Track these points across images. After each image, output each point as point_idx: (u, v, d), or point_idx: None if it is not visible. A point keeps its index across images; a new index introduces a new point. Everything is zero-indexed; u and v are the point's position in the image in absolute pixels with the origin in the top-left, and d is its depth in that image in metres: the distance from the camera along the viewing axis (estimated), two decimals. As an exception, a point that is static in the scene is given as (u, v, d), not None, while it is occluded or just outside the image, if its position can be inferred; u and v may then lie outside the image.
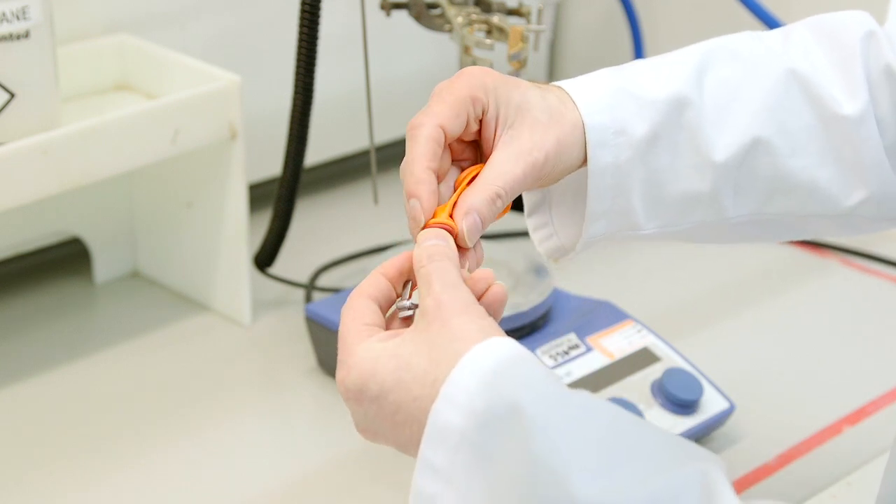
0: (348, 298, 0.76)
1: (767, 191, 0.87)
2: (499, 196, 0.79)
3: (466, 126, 0.80)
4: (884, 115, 0.86)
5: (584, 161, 0.84)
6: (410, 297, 0.76)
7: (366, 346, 0.72)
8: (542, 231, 0.90)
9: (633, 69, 0.87)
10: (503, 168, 0.80)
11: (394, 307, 0.77)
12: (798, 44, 0.88)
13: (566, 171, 0.83)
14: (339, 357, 0.73)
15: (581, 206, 0.87)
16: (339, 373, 0.73)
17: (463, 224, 0.78)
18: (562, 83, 0.85)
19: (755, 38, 0.89)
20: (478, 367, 0.68)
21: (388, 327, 0.76)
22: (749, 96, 0.86)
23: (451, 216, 0.78)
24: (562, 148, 0.82)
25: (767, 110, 0.86)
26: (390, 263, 0.77)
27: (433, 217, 0.78)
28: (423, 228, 0.77)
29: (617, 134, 0.83)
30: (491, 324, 0.71)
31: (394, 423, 0.71)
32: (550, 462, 0.65)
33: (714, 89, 0.86)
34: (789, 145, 0.86)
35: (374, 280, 0.76)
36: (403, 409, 0.70)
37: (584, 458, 0.65)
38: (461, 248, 0.78)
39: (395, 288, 0.77)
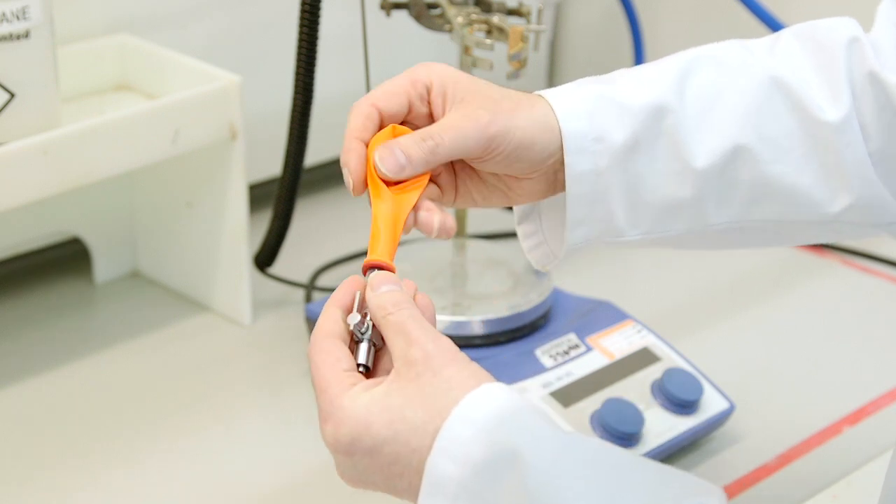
0: (314, 340, 0.74)
1: (750, 197, 0.86)
2: (431, 137, 0.79)
3: (412, 108, 0.81)
4: (868, 121, 0.85)
5: (560, 165, 0.84)
6: (361, 313, 0.76)
7: (351, 396, 0.71)
8: (532, 239, 0.90)
9: (615, 77, 0.87)
10: (447, 122, 0.80)
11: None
12: (783, 50, 0.88)
13: (531, 164, 0.83)
14: (323, 409, 0.72)
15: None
16: (327, 426, 0.72)
17: (375, 154, 0.79)
18: (542, 92, 0.85)
19: (741, 46, 0.89)
20: (471, 416, 0.68)
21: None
22: (730, 103, 0.86)
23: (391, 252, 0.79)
24: (519, 133, 0.81)
25: (748, 117, 0.85)
26: (342, 296, 0.76)
27: (371, 252, 0.78)
28: (364, 266, 0.77)
29: (596, 141, 0.83)
30: (478, 369, 0.71)
31: (389, 475, 0.71)
32: None
33: (695, 96, 0.86)
34: (771, 151, 0.85)
35: (333, 317, 0.75)
36: (401, 460, 0.70)
37: (581, 500, 0.66)
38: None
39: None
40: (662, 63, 0.88)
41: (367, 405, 0.70)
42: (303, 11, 1.14)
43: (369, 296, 0.75)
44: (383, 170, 0.79)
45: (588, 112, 0.84)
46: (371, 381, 0.73)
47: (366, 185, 0.80)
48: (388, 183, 0.80)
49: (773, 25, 1.40)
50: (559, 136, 0.83)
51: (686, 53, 0.88)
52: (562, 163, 0.83)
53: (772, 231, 0.89)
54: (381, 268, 0.78)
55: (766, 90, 0.86)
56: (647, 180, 0.85)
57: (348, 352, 0.74)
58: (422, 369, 0.70)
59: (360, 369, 0.74)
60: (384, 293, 0.74)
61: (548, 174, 0.85)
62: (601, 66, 1.68)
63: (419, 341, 0.71)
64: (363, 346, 0.75)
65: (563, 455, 0.68)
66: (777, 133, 0.85)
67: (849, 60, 0.86)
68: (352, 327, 0.75)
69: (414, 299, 0.75)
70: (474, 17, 1.13)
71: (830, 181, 0.86)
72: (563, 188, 0.85)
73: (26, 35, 1.07)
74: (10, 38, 1.07)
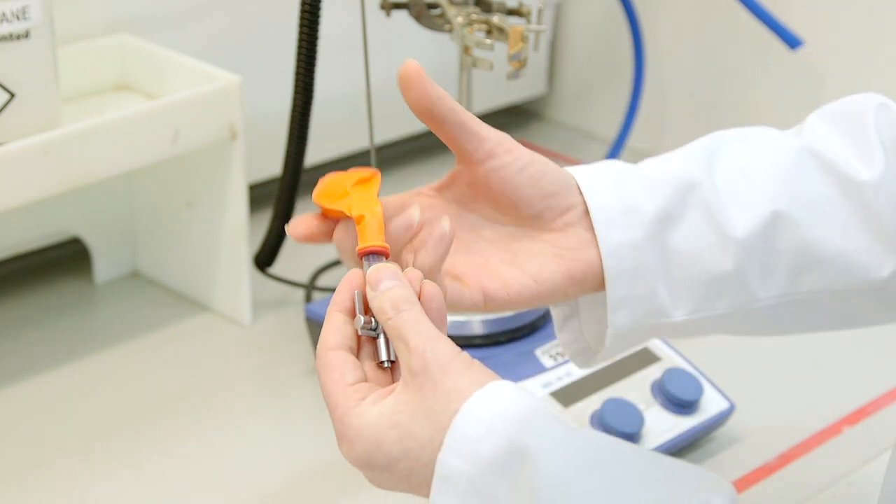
0: (319, 353, 0.74)
1: (795, 266, 0.83)
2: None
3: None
4: None
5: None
6: (367, 313, 0.75)
7: (358, 413, 0.71)
8: (575, 346, 0.87)
9: (639, 164, 0.85)
10: None
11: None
12: (809, 128, 0.86)
13: (546, 176, 0.81)
14: (336, 428, 0.72)
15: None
16: (341, 446, 0.72)
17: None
18: (567, 168, 0.83)
19: (765, 128, 0.87)
20: (479, 414, 0.69)
21: (358, 347, 0.75)
22: (762, 172, 0.83)
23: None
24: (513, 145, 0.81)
25: (783, 183, 0.83)
26: (342, 298, 0.75)
27: (362, 239, 0.77)
28: (359, 254, 0.77)
29: (625, 212, 0.81)
30: (479, 370, 0.71)
31: (409, 484, 0.71)
32: (558, 503, 0.66)
33: (725, 170, 0.83)
34: (810, 216, 0.83)
35: (336, 324, 0.74)
36: (416, 473, 0.70)
37: (590, 497, 0.66)
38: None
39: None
40: (685, 147, 0.86)
41: (375, 423, 0.70)
42: (303, 11, 1.14)
43: (370, 296, 0.74)
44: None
45: (614, 184, 0.81)
46: (379, 392, 0.72)
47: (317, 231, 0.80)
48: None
49: (773, 25, 1.40)
50: (575, 182, 0.81)
51: (709, 136, 0.86)
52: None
53: (823, 305, 0.85)
54: (376, 252, 0.76)
55: (797, 158, 0.84)
56: (685, 254, 0.82)
57: (354, 362, 0.73)
58: (422, 380, 0.70)
59: (385, 365, 0.74)
60: (383, 293, 0.73)
61: (588, 224, 0.82)
62: (601, 66, 1.69)
63: (416, 350, 0.71)
64: (381, 342, 0.74)
65: (571, 451, 0.68)
66: (813, 197, 0.83)
67: (878, 123, 0.84)
68: (360, 331, 0.74)
69: (420, 290, 0.74)
70: (474, 17, 1.13)
71: (875, 244, 0.83)
72: None
73: (26, 35, 1.07)
74: (10, 38, 1.07)
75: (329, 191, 0.80)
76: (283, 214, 1.24)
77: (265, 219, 1.26)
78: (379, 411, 0.71)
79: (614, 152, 1.57)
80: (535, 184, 0.81)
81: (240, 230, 1.25)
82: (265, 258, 1.28)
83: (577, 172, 0.82)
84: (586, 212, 0.81)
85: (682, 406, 1.09)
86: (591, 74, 1.70)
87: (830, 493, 1.07)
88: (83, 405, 1.16)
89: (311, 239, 0.80)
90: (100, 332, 1.27)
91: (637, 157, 1.63)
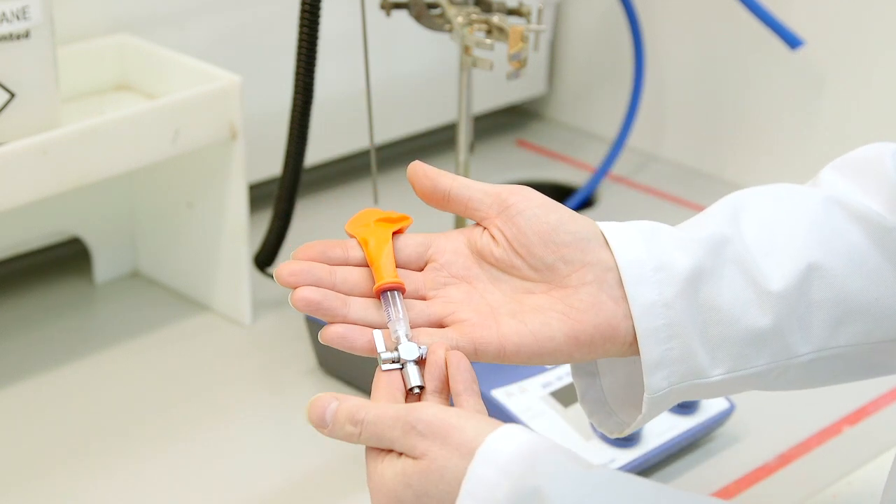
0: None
1: (833, 319, 0.81)
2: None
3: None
4: None
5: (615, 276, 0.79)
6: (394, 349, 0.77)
7: (378, 470, 0.73)
8: (599, 415, 0.85)
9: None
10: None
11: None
12: (826, 181, 0.85)
13: (565, 230, 0.79)
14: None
15: (636, 384, 0.82)
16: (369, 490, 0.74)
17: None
18: (594, 222, 0.82)
19: (784, 184, 0.86)
20: (493, 457, 0.69)
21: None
22: (791, 224, 0.82)
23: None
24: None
25: (814, 234, 0.81)
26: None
27: (378, 277, 0.79)
28: (376, 291, 0.78)
29: (657, 270, 0.78)
30: (481, 418, 0.72)
31: None
32: None
33: (753, 225, 0.82)
34: (843, 266, 0.81)
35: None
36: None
37: None
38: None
39: None
40: (707, 209, 0.84)
41: (392, 480, 0.73)
42: (303, 11, 1.14)
43: (324, 434, 0.75)
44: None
45: (645, 241, 0.79)
46: (396, 454, 0.73)
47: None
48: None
49: (773, 25, 1.40)
50: (595, 238, 0.79)
51: (730, 195, 0.84)
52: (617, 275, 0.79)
53: (863, 357, 0.84)
54: (394, 288, 0.78)
55: (824, 209, 0.82)
56: (722, 311, 0.79)
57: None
58: (429, 443, 0.72)
59: (415, 391, 0.76)
60: (334, 424, 0.74)
61: (605, 283, 0.79)
62: (601, 66, 1.69)
63: (407, 425, 0.72)
64: (406, 370, 0.76)
65: (584, 489, 0.68)
66: (845, 247, 0.81)
67: None
68: (383, 365, 0.76)
69: (447, 359, 0.76)
70: (474, 17, 1.13)
71: None
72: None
73: (26, 35, 1.07)
74: (10, 38, 1.07)
75: (358, 221, 0.83)
76: (283, 214, 1.24)
77: (265, 219, 1.26)
78: (394, 471, 0.72)
79: (614, 152, 1.57)
80: (548, 231, 0.79)
81: (240, 230, 1.25)
82: (265, 258, 1.28)
83: (605, 227, 0.80)
84: (606, 270, 0.79)
85: (682, 406, 1.09)
86: (591, 74, 1.70)
87: (830, 493, 1.07)
88: (83, 405, 1.17)
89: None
90: (100, 332, 1.27)
91: (637, 157, 1.64)
